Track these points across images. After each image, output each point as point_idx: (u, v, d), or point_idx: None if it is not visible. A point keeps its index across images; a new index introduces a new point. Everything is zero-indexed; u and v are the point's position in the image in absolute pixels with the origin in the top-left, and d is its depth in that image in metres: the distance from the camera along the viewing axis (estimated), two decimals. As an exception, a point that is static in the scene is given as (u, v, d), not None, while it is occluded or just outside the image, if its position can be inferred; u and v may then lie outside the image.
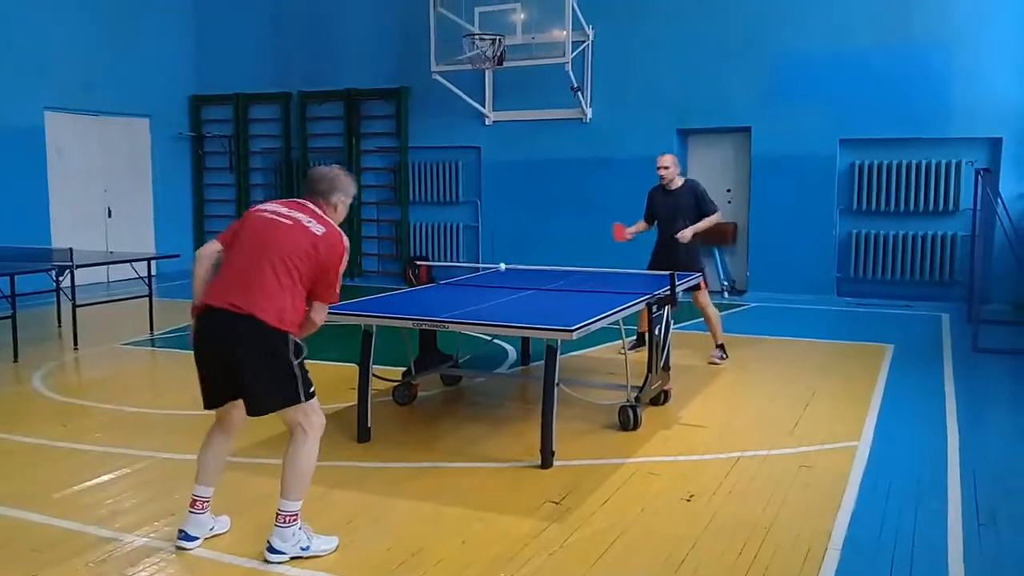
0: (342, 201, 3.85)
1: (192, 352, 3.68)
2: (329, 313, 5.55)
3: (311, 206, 3.76)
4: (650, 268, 7.54)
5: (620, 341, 7.33)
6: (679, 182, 7.65)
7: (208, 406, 3.76)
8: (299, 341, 3.63)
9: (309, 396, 3.64)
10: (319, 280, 3.64)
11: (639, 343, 7.89)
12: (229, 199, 14.60)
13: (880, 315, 10.11)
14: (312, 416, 3.67)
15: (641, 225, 7.87)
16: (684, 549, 3.82)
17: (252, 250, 3.59)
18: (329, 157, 13.92)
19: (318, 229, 3.64)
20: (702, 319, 7.89)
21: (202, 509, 3.83)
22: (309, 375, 3.65)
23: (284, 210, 3.71)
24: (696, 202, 7.52)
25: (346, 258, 3.72)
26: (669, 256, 7.42)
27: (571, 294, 6.42)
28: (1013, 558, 3.75)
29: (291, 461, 3.64)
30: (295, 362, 3.58)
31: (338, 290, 3.75)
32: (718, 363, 7.50)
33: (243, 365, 3.53)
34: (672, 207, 7.58)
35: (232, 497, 4.29)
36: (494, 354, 7.84)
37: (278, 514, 3.65)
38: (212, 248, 3.73)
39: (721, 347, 7.65)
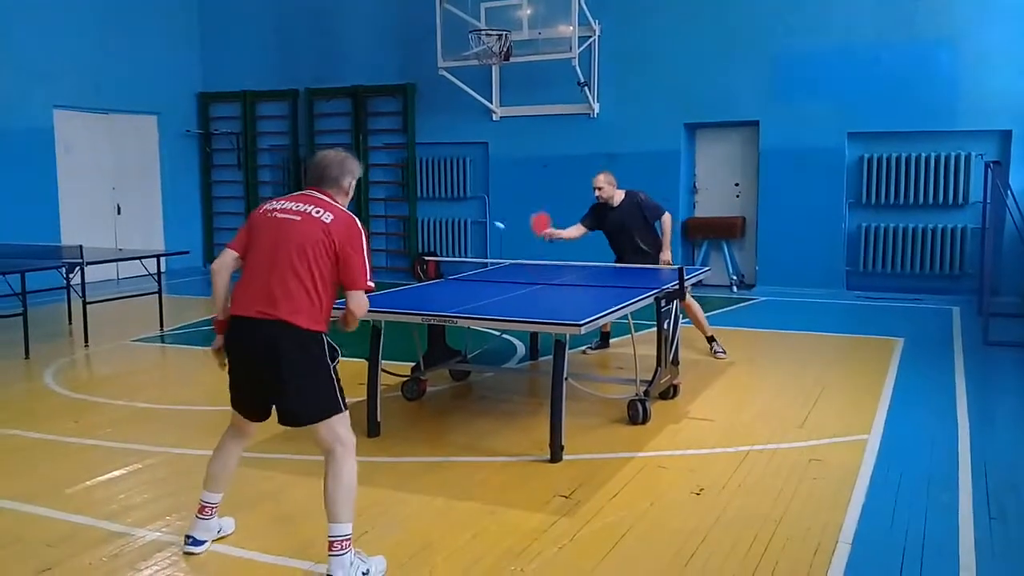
0: (351, 183, 3.74)
1: (224, 363, 3.62)
2: (339, 308, 5.60)
3: (317, 195, 3.62)
4: None
5: (629, 335, 7.35)
6: (619, 196, 7.47)
7: (243, 413, 3.67)
8: (333, 343, 3.53)
9: (346, 405, 3.53)
10: (343, 267, 3.47)
11: (603, 343, 7.91)
12: (237, 196, 14.63)
13: (890, 308, 10.08)
14: (349, 429, 3.54)
15: (570, 231, 7.54)
16: (694, 543, 3.81)
17: (268, 253, 3.46)
18: (337, 153, 13.96)
19: (327, 217, 3.50)
20: (711, 313, 7.89)
21: (210, 515, 3.75)
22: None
23: (290, 205, 3.57)
24: (642, 213, 7.39)
25: (365, 239, 3.56)
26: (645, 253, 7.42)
27: (579, 289, 6.42)
28: (1024, 551, 3.74)
29: (336, 480, 3.45)
30: (332, 365, 3.48)
31: (368, 274, 3.53)
32: (724, 356, 7.45)
33: (280, 373, 3.40)
34: (618, 223, 7.46)
35: (242, 492, 4.31)
36: (503, 349, 7.85)
37: (332, 543, 3.42)
38: (228, 258, 3.60)
39: (712, 339, 7.58)
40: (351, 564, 3.41)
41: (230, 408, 3.69)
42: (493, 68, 12.39)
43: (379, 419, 5.40)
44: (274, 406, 3.54)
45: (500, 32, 11.37)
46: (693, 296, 7.53)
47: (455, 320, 5.17)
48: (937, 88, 10.51)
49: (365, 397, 5.44)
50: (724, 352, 7.51)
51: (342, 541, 3.41)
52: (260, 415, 3.65)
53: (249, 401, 3.61)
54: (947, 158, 10.61)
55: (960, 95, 10.44)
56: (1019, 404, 6.26)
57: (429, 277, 7.46)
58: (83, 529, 4.05)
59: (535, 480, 4.62)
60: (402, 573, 3.56)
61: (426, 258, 12.41)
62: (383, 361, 5.47)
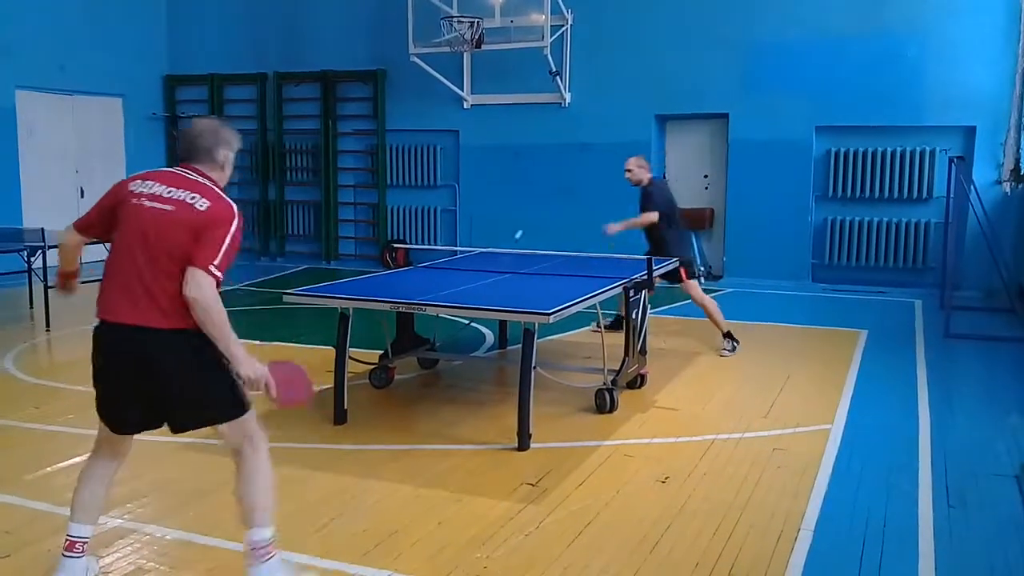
0: (227, 157, 3.24)
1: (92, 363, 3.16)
2: (308, 295, 5.57)
3: (192, 176, 3.14)
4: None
5: (595, 323, 7.41)
6: (645, 180, 7.61)
7: (114, 430, 3.21)
8: None
9: (249, 404, 3.16)
10: (194, 245, 2.96)
11: (616, 325, 7.93)
12: (204, 181, 14.43)
13: (854, 301, 10.21)
14: (256, 426, 3.19)
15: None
16: (659, 530, 3.85)
17: (136, 249, 3.01)
18: (306, 139, 13.86)
19: (202, 204, 3.03)
20: (680, 304, 7.94)
21: (80, 552, 3.21)
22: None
23: (161, 189, 3.07)
24: (643, 202, 7.55)
25: (235, 229, 3.04)
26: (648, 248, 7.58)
27: (548, 278, 6.43)
28: (981, 539, 3.81)
29: (250, 482, 3.15)
30: (227, 364, 3.05)
31: (218, 260, 2.96)
32: (728, 355, 7.31)
33: (164, 383, 3.02)
34: (640, 204, 7.65)
35: (204, 478, 4.27)
36: (471, 337, 7.84)
37: (253, 550, 3.12)
38: (73, 239, 3.32)
39: (728, 335, 7.43)
40: (279, 568, 3.16)
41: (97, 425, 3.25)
42: (465, 55, 12.34)
43: (346, 407, 5.37)
44: (164, 417, 3.14)
45: (472, 19, 11.32)
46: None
47: (424, 308, 5.15)
48: (904, 84, 10.63)
49: (332, 385, 5.41)
50: (728, 354, 7.34)
51: (263, 547, 3.12)
52: (139, 428, 3.20)
53: (124, 413, 3.15)
54: (912, 153, 10.75)
55: (926, 91, 10.58)
56: (978, 395, 6.38)
57: (398, 265, 7.45)
58: (43, 516, 3.99)
59: (502, 468, 4.63)
60: (368, 560, 3.55)
61: (395, 246, 12.39)
62: (351, 348, 5.45)
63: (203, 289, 2.91)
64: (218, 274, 2.96)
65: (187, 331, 2.98)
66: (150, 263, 2.99)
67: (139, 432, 3.23)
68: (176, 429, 3.17)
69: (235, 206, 3.11)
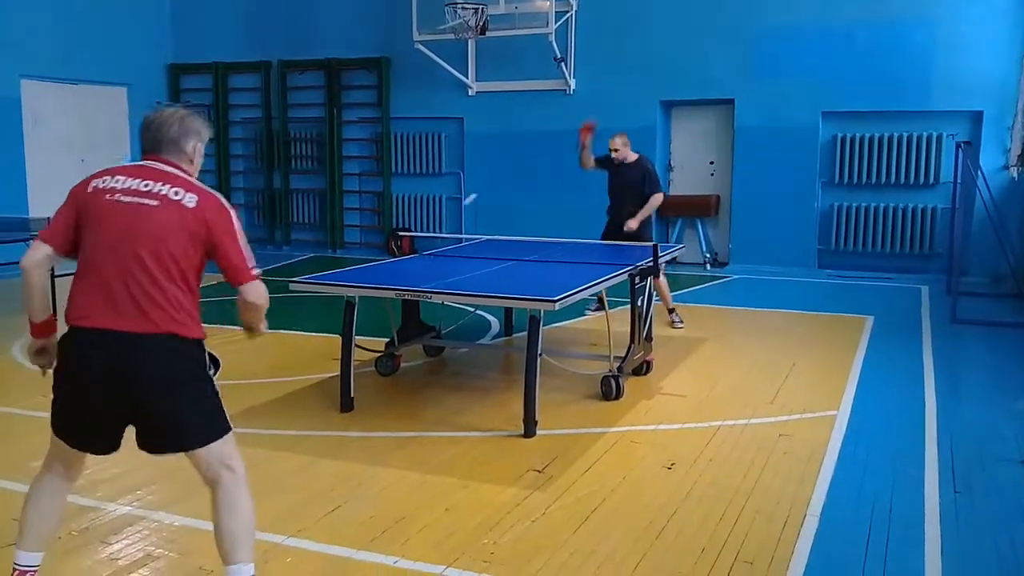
0: (196, 148, 2.97)
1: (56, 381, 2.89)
2: (314, 283, 5.58)
3: (163, 167, 2.88)
4: (604, 238, 7.76)
5: (598, 308, 7.61)
6: (632, 157, 7.82)
7: (76, 446, 2.91)
8: (212, 352, 2.92)
9: (231, 424, 2.91)
10: (221, 261, 2.83)
11: (601, 307, 8.02)
12: (209, 169, 14.41)
13: (860, 287, 10.19)
14: (236, 451, 2.92)
15: (590, 159, 7.97)
16: (665, 516, 3.85)
17: (117, 249, 2.74)
18: (310, 127, 13.84)
19: (190, 200, 2.80)
20: (684, 291, 7.95)
21: None
22: None
23: (137, 183, 2.81)
24: (643, 182, 7.66)
25: (236, 219, 2.89)
26: (619, 228, 7.66)
27: (554, 265, 6.43)
28: (988, 525, 3.80)
29: (232, 513, 2.85)
30: (213, 377, 2.88)
31: (248, 258, 2.86)
32: (680, 327, 7.69)
33: (146, 396, 2.75)
34: (624, 180, 7.81)
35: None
36: (477, 325, 7.84)
37: None
38: (39, 255, 2.82)
39: (673, 311, 7.85)
40: None
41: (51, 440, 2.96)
42: (469, 42, 12.30)
43: (352, 394, 5.38)
44: (136, 433, 2.86)
45: (476, 6, 11.27)
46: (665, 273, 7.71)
47: (429, 296, 5.16)
48: (911, 68, 10.57)
49: (339, 372, 5.42)
50: (680, 325, 7.75)
51: None
52: (106, 447, 2.90)
53: (93, 430, 2.86)
54: (919, 138, 10.70)
55: (933, 75, 10.52)
56: (984, 381, 6.36)
57: (403, 253, 7.45)
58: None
59: (509, 455, 4.64)
60: (375, 547, 3.57)
61: (400, 234, 12.35)
62: (357, 336, 5.45)
63: (259, 293, 2.86)
64: (256, 272, 2.86)
65: (175, 336, 2.75)
66: (135, 263, 2.72)
67: (105, 451, 2.91)
68: (150, 448, 2.86)
69: (219, 194, 2.90)
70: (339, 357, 5.40)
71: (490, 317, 8.07)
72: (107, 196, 2.80)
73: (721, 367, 6.60)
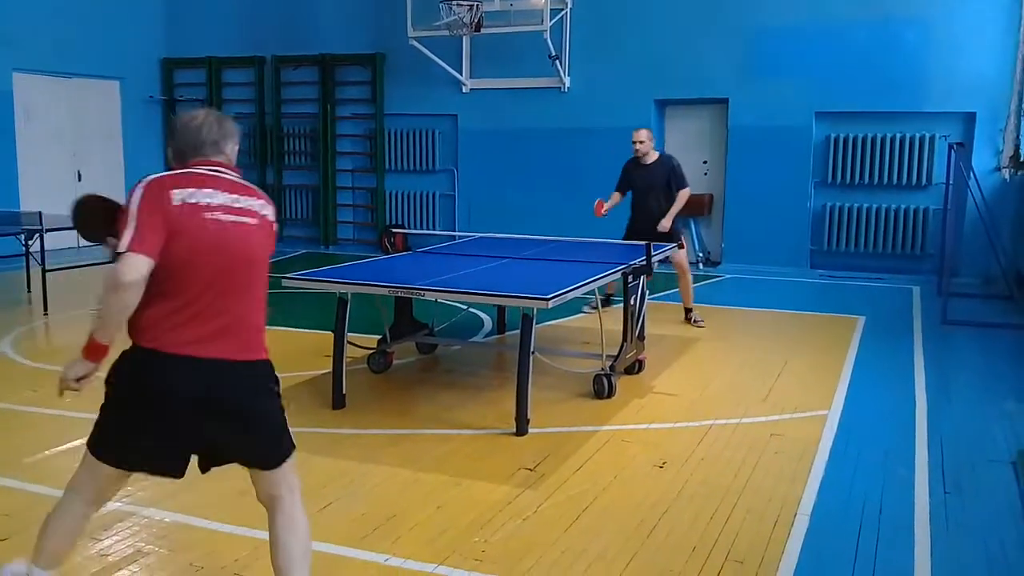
0: (235, 151, 2.86)
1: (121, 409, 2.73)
2: (307, 280, 5.56)
3: (234, 177, 2.76)
4: (626, 238, 7.62)
5: (595, 306, 7.47)
6: (654, 156, 7.83)
7: (151, 469, 2.81)
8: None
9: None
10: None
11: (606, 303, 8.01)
12: (202, 165, 14.39)
13: (852, 287, 10.22)
14: (295, 469, 2.88)
15: (615, 198, 8.05)
16: (656, 514, 3.86)
17: (226, 272, 2.64)
18: (304, 123, 13.80)
19: (270, 212, 2.79)
20: (677, 290, 7.97)
21: None
22: None
23: (230, 200, 2.67)
24: (668, 177, 7.66)
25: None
26: (645, 227, 7.57)
27: (547, 263, 6.43)
28: (977, 525, 3.82)
29: (293, 532, 2.79)
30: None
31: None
32: (703, 325, 7.74)
33: (250, 424, 2.72)
34: (646, 181, 7.80)
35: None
36: (470, 322, 7.84)
37: None
38: (144, 268, 2.51)
39: (689, 311, 7.88)
40: None
41: (94, 464, 2.80)
42: (464, 39, 12.29)
43: (344, 391, 5.38)
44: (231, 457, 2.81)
45: (471, 2, 11.25)
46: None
47: (422, 293, 5.15)
48: (904, 69, 10.59)
49: (331, 369, 5.41)
50: (702, 324, 7.79)
51: None
52: (177, 471, 2.78)
53: (169, 456, 2.73)
54: (912, 139, 10.73)
55: (927, 77, 10.54)
56: (975, 382, 6.38)
57: (396, 250, 7.43)
58: (42, 499, 3.98)
59: (501, 453, 4.64)
60: (367, 544, 3.56)
61: (393, 230, 12.33)
62: (349, 333, 5.45)
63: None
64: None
65: (262, 362, 2.77)
66: (246, 288, 2.69)
67: (178, 473, 2.81)
68: (263, 464, 2.79)
69: None
70: (331, 354, 5.40)
71: (483, 315, 8.07)
72: (205, 214, 2.60)
73: (713, 366, 6.61)
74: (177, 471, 2.77)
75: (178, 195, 2.58)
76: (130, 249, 2.49)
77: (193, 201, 2.59)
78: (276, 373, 2.82)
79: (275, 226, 2.81)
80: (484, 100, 12.62)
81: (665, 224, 7.63)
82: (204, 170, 2.69)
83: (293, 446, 2.84)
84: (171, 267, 2.56)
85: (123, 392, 2.69)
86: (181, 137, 2.75)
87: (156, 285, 2.56)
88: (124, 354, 2.67)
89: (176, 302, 2.59)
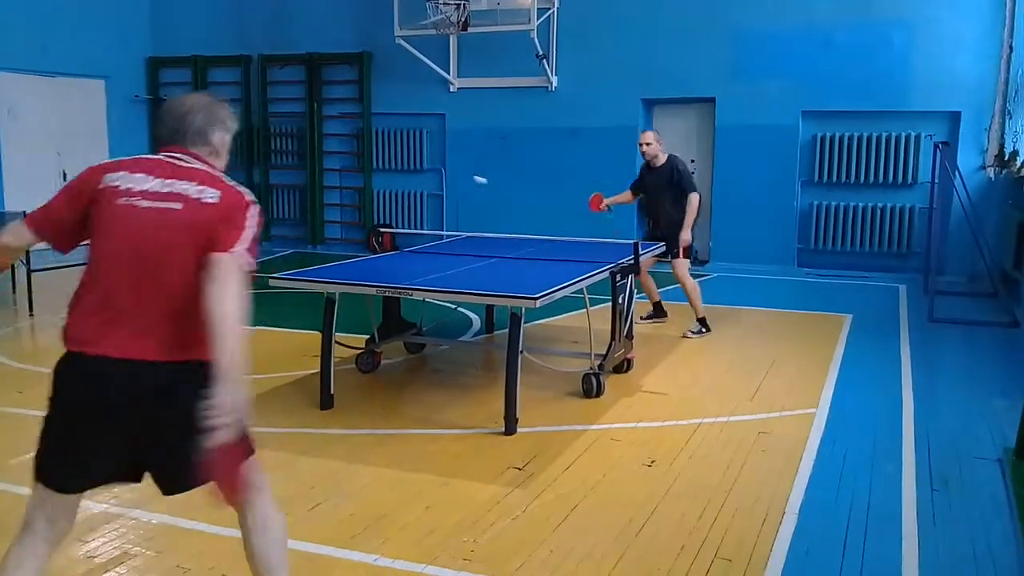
0: (223, 140, 2.62)
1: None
2: (294, 279, 5.54)
3: (188, 162, 2.51)
4: (645, 239, 7.58)
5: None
6: (663, 159, 7.61)
7: (65, 487, 2.51)
8: None
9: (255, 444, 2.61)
10: (215, 239, 2.40)
11: (656, 314, 7.94)
12: (188, 164, 14.32)
13: (839, 286, 10.26)
14: (260, 471, 2.67)
15: (622, 196, 7.91)
16: (645, 513, 3.87)
17: (137, 262, 2.40)
18: (291, 122, 13.76)
19: (212, 196, 2.44)
20: (666, 289, 7.99)
21: None
22: None
23: (155, 184, 2.43)
24: (676, 182, 7.46)
25: (257, 216, 2.52)
26: (658, 233, 7.57)
27: (535, 262, 6.43)
28: (964, 522, 3.84)
29: (264, 533, 2.63)
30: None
31: (253, 250, 2.49)
32: (691, 337, 7.38)
33: (173, 432, 2.40)
34: (655, 184, 7.62)
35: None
36: (458, 322, 7.83)
37: None
38: (19, 242, 2.59)
39: (703, 321, 7.53)
40: None
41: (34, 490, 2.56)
42: (451, 38, 12.28)
43: (332, 391, 5.36)
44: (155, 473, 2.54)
45: (458, 1, 11.24)
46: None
47: (410, 292, 5.14)
48: (890, 69, 10.65)
49: (319, 369, 5.39)
50: (693, 336, 7.41)
51: None
52: (103, 482, 2.57)
53: (90, 467, 2.48)
54: (898, 138, 10.79)
55: (912, 76, 10.60)
56: (961, 379, 6.42)
57: (384, 249, 7.43)
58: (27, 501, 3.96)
59: (489, 452, 4.64)
60: (355, 544, 3.55)
61: (381, 230, 12.35)
62: (337, 333, 5.43)
63: (230, 277, 2.35)
64: (249, 259, 2.43)
65: (192, 363, 2.40)
66: (152, 279, 2.39)
67: (98, 486, 2.59)
68: (170, 488, 2.54)
69: (249, 193, 2.55)
70: (319, 354, 5.38)
71: (471, 314, 8.06)
72: (122, 199, 2.42)
73: (701, 365, 6.62)
74: (77, 483, 2.52)
75: (107, 179, 2.46)
76: (23, 222, 2.54)
77: (115, 185, 2.44)
78: (205, 379, 2.27)
79: (227, 209, 2.44)
80: (471, 99, 12.61)
81: (685, 236, 7.39)
82: (160, 156, 2.53)
83: (250, 450, 2.54)
84: (91, 258, 2.47)
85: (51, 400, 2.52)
86: (161, 122, 2.61)
87: (83, 283, 2.50)
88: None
89: (93, 295, 2.47)
